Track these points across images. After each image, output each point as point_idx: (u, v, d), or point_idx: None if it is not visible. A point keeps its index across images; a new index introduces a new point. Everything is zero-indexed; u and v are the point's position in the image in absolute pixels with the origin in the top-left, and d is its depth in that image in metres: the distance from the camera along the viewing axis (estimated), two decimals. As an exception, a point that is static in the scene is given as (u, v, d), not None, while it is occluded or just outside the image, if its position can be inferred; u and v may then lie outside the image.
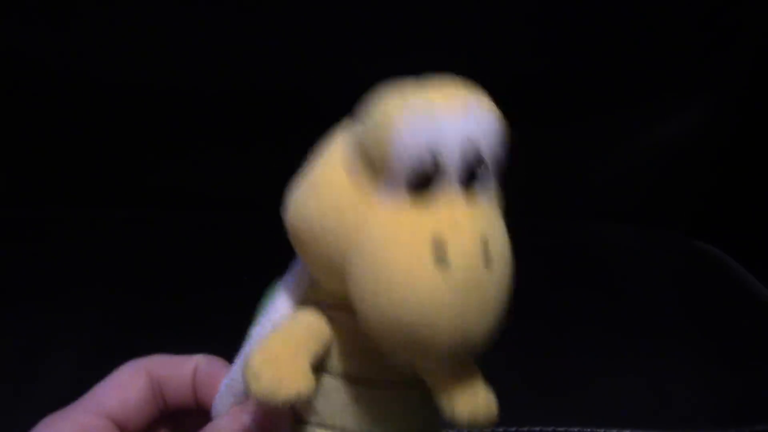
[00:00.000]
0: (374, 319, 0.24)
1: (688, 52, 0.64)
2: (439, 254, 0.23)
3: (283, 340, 0.26)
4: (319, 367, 0.27)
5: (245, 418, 0.28)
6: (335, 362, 0.27)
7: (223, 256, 0.57)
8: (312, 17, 0.58)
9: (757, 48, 0.64)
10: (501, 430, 0.46)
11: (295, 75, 0.60)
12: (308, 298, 0.28)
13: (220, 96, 0.61)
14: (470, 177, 0.25)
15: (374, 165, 0.25)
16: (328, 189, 0.25)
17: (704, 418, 0.48)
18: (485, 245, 0.24)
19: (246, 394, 0.29)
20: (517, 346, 0.51)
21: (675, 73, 0.65)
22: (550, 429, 0.46)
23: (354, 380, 0.27)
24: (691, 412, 0.48)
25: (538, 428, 0.46)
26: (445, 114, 0.25)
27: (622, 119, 0.66)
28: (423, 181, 0.24)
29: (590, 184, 0.68)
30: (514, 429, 0.46)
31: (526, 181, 0.67)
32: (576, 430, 0.46)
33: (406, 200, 0.24)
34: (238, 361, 0.29)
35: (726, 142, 0.67)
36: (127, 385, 0.31)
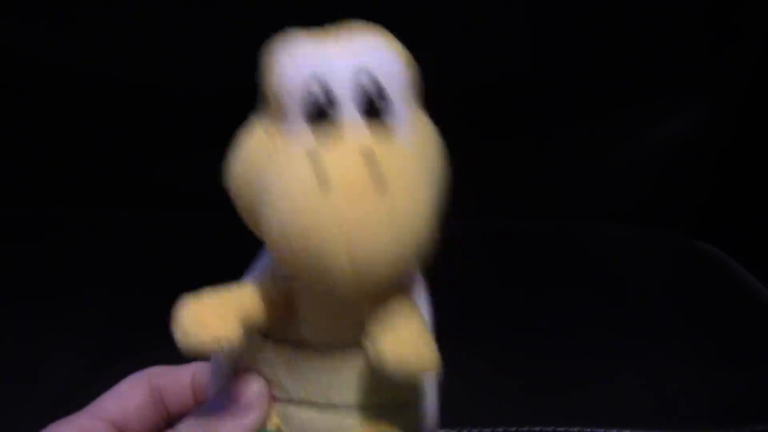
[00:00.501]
0: (273, 246, 0.24)
1: (689, 51, 0.64)
2: (320, 177, 0.23)
3: (213, 293, 0.26)
4: (281, 339, 0.27)
5: (223, 399, 0.28)
6: (299, 332, 0.27)
7: (224, 256, 0.57)
8: (312, 17, 0.58)
9: (758, 47, 0.64)
10: (501, 430, 0.46)
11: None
12: (273, 273, 0.28)
13: (220, 96, 0.61)
14: (372, 108, 0.24)
15: (270, 104, 0.25)
16: (245, 144, 0.26)
17: (704, 418, 0.48)
18: (373, 163, 0.23)
19: (224, 378, 0.29)
20: (517, 346, 0.51)
21: (676, 73, 0.64)
22: (550, 429, 0.46)
23: (318, 349, 0.27)
24: (691, 412, 0.48)
25: (538, 428, 0.46)
26: (331, 43, 0.25)
27: (623, 119, 0.66)
28: (317, 114, 0.24)
29: (590, 184, 0.68)
30: (514, 429, 0.46)
31: (526, 181, 0.67)
32: (576, 430, 0.46)
33: (309, 139, 0.24)
34: None
35: (726, 141, 0.67)
36: (128, 394, 0.32)
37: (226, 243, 0.60)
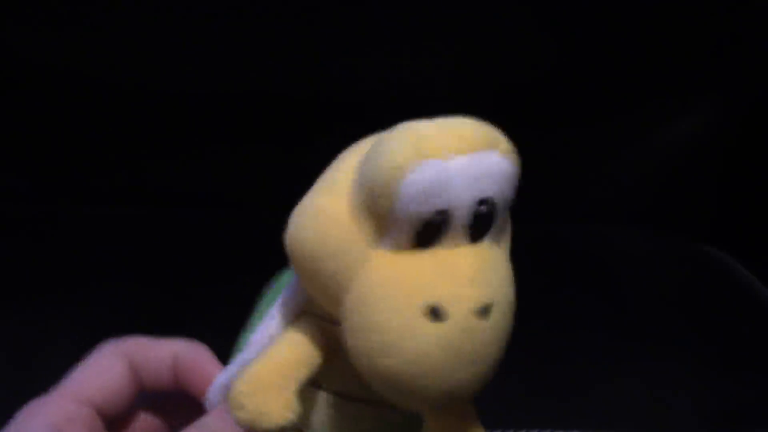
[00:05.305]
0: (366, 368, 0.24)
1: (694, 55, 0.64)
2: (434, 314, 0.23)
3: (270, 367, 0.26)
4: (313, 382, 0.27)
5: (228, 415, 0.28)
6: (330, 378, 0.27)
7: (223, 255, 0.58)
8: (311, 18, 0.58)
9: (763, 51, 0.64)
10: (501, 432, 0.46)
11: (295, 75, 0.60)
12: (305, 310, 0.28)
13: (220, 96, 0.61)
14: (480, 229, 0.24)
15: (378, 211, 0.23)
16: (329, 219, 0.24)
17: (706, 422, 0.48)
18: (487, 319, 0.24)
19: None
20: (520, 349, 0.51)
21: (681, 77, 0.64)
22: (549, 432, 0.46)
23: (348, 397, 0.27)
24: (693, 417, 0.48)
25: (536, 431, 0.46)
26: (458, 169, 0.23)
27: (628, 123, 0.66)
28: (428, 235, 0.24)
29: (596, 187, 0.68)
30: (513, 432, 0.46)
31: (531, 184, 0.67)
32: (577, 433, 0.46)
33: (408, 249, 0.24)
34: (235, 360, 0.29)
35: (733, 145, 0.67)
36: (107, 371, 0.31)
37: (226, 241, 0.60)
